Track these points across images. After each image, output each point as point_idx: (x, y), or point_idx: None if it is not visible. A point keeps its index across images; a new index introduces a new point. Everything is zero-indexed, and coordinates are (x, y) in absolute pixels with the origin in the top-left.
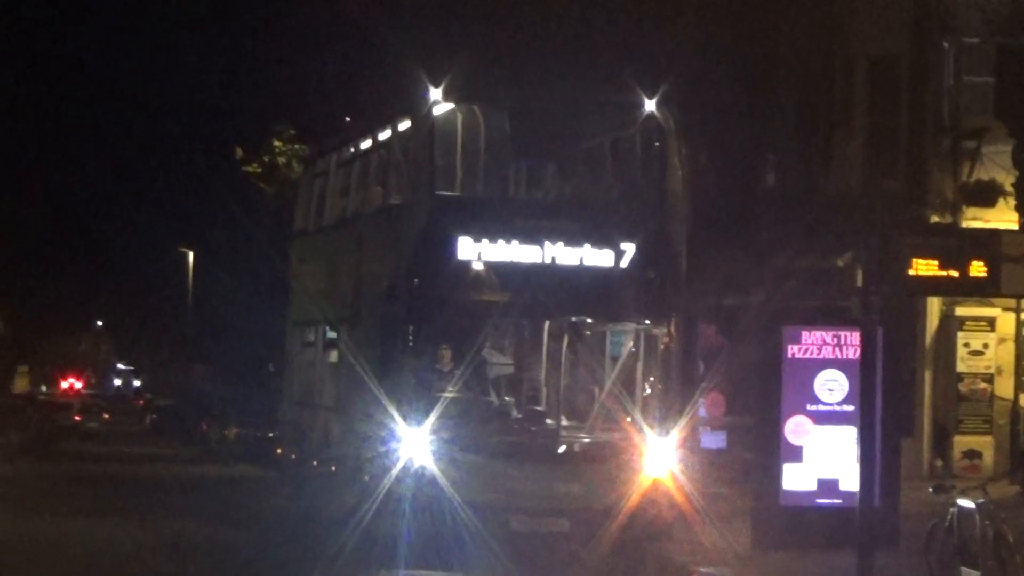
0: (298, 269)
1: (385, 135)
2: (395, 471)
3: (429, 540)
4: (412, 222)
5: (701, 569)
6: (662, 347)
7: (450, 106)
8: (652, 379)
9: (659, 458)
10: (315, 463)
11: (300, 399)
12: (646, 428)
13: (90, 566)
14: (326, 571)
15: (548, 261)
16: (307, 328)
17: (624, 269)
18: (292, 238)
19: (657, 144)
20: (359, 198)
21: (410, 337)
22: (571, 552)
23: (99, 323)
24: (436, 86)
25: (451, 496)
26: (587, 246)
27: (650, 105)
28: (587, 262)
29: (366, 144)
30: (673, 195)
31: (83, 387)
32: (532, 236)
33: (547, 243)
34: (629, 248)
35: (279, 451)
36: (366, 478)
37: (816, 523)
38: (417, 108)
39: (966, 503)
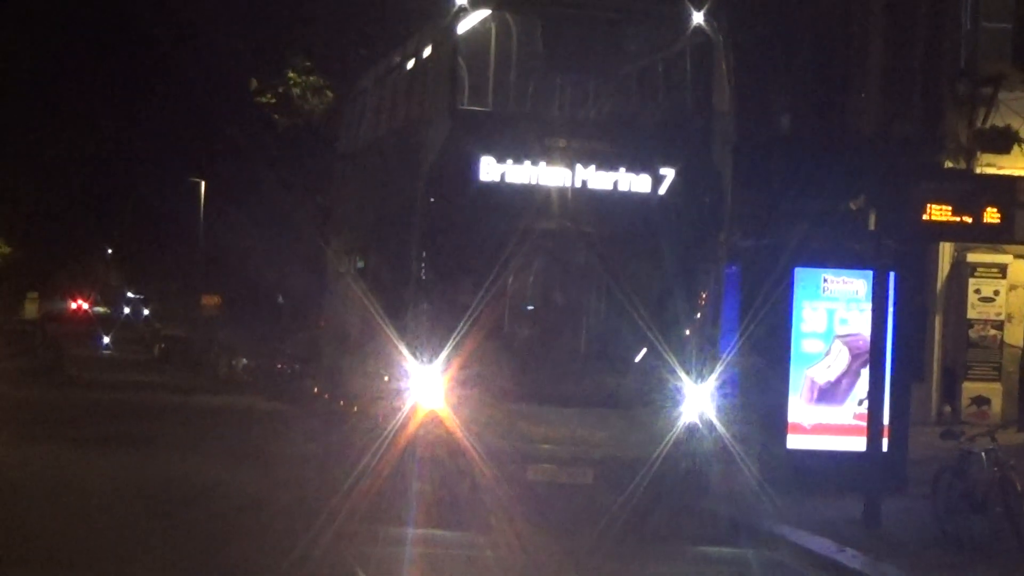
0: (337, 194)
1: (414, 47)
2: (403, 412)
3: (439, 492)
4: (431, 139)
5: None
6: (701, 286)
7: (477, 14)
8: (692, 320)
9: (696, 404)
10: (326, 396)
11: (331, 331)
12: (681, 372)
13: (83, 502)
14: (326, 526)
15: (579, 185)
16: (342, 257)
17: (663, 196)
18: (335, 161)
19: (704, 60)
20: (388, 116)
21: (423, 265)
22: (594, 508)
23: (109, 251)
24: None
25: (463, 442)
26: (622, 170)
27: (697, 17)
28: (622, 187)
29: (397, 58)
30: (720, 116)
31: (91, 308)
32: (562, 158)
33: (578, 166)
34: (669, 173)
35: (315, 388)
36: (377, 418)
37: (824, 467)
38: (441, 16)
39: (974, 449)
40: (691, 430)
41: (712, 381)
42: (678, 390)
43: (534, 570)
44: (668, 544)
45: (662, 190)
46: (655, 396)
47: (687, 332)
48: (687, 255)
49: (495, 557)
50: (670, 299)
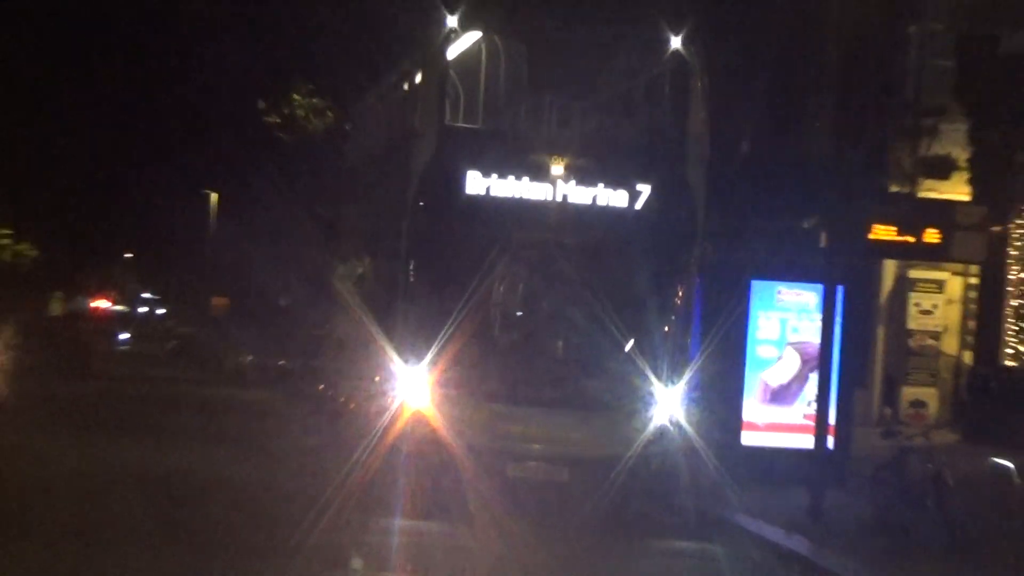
0: (341, 205)
1: (409, 68)
2: (391, 411)
3: (424, 486)
4: (421, 153)
5: None
6: (674, 296)
7: (468, 36)
8: (664, 328)
9: (666, 407)
10: (328, 393)
11: (332, 332)
12: (653, 376)
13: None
14: (320, 516)
15: (560, 199)
16: (343, 263)
17: (639, 211)
18: (340, 175)
19: (680, 83)
20: (385, 132)
21: (411, 272)
22: (570, 503)
23: (127, 256)
24: (452, 14)
25: (447, 440)
26: (601, 186)
27: (675, 43)
28: (600, 202)
29: (394, 78)
30: (695, 137)
31: (111, 307)
32: (544, 173)
33: (560, 181)
34: (645, 189)
35: (321, 386)
36: (369, 416)
37: (775, 462)
38: (432, 39)
39: (911, 448)
40: (662, 431)
41: (682, 385)
42: (650, 393)
43: (512, 559)
44: (638, 537)
45: (638, 205)
46: (628, 399)
47: (659, 339)
48: (661, 267)
49: (476, 547)
50: (644, 308)
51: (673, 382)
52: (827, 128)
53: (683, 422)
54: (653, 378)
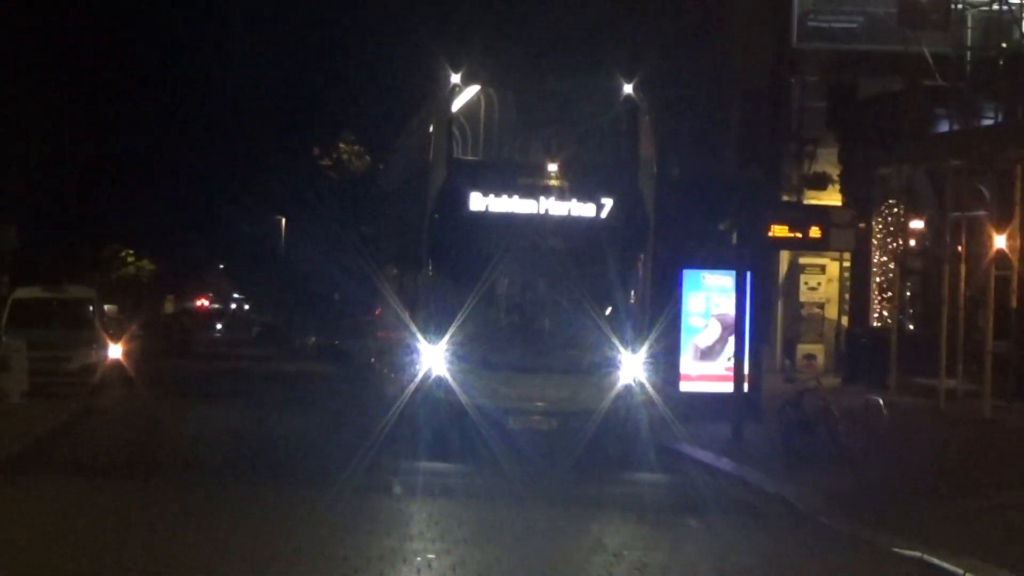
0: (380, 220)
1: (424, 115)
2: (418, 378)
3: (442, 436)
4: (435, 180)
5: None
6: (633, 283)
7: (469, 89)
8: (627, 307)
9: (630, 369)
10: (372, 360)
11: (378, 319)
12: (620, 345)
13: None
14: (362, 459)
15: (544, 212)
16: (383, 267)
17: (604, 219)
18: (379, 197)
19: (632, 119)
20: (410, 164)
21: (430, 272)
22: (559, 447)
23: (221, 266)
24: (456, 72)
25: (461, 400)
26: (575, 201)
27: (627, 89)
28: (575, 213)
29: (415, 123)
30: (645, 161)
31: (209, 305)
32: (531, 192)
33: (543, 198)
34: (608, 202)
35: (372, 359)
36: (402, 381)
37: (706, 403)
38: (441, 92)
39: (806, 389)
40: (628, 388)
41: (642, 352)
42: (618, 359)
43: (511, 491)
44: (608, 471)
45: (604, 215)
46: (602, 364)
47: (624, 317)
48: (623, 261)
49: (483, 483)
50: (611, 293)
51: (635, 350)
52: (735, 154)
53: (643, 380)
54: (620, 347)
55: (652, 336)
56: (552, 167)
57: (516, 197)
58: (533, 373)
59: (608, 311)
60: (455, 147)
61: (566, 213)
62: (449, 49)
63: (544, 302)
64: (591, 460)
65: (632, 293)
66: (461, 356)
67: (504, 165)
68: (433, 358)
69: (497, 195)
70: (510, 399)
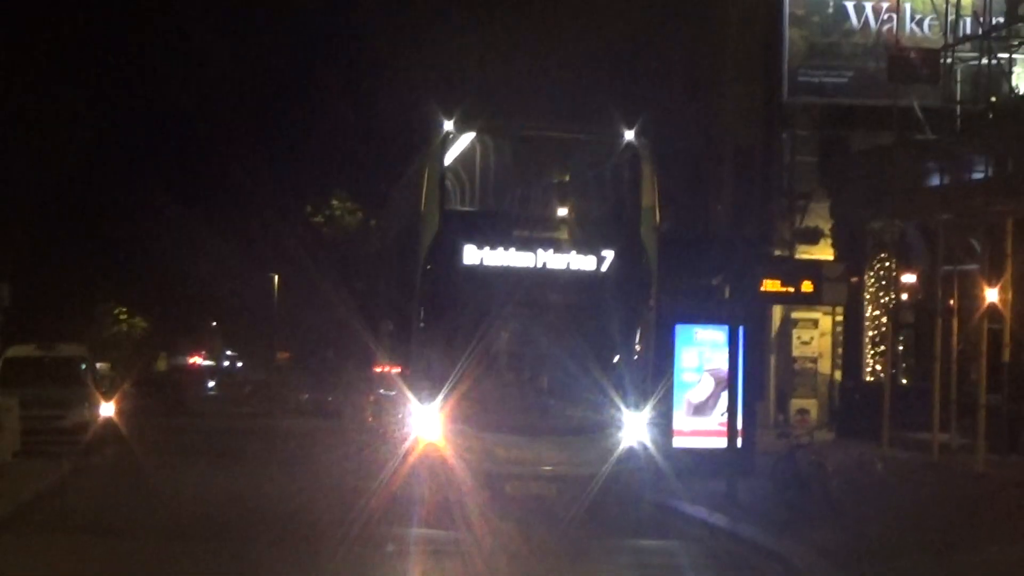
0: (374, 277)
1: (417, 165)
2: (409, 442)
3: (437, 502)
4: (427, 232)
5: None
6: (635, 340)
7: (464, 136)
8: (629, 366)
9: (633, 430)
10: (369, 418)
11: (375, 376)
12: (621, 405)
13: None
14: (352, 526)
15: (540, 265)
16: (378, 322)
17: (605, 272)
18: (372, 256)
19: (634, 168)
20: (402, 216)
21: (422, 328)
22: (556, 514)
23: (214, 323)
24: (449, 119)
25: (455, 465)
26: (573, 253)
27: (629, 135)
28: (573, 267)
29: (408, 172)
30: (647, 211)
31: (202, 362)
32: (527, 245)
33: (539, 250)
34: (609, 255)
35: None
36: (394, 444)
37: (699, 459)
38: (433, 139)
39: (799, 444)
40: (631, 450)
41: (646, 412)
42: (620, 419)
43: (509, 560)
44: (608, 536)
45: (604, 267)
46: (603, 425)
47: (626, 375)
48: (624, 316)
49: (479, 551)
50: (612, 350)
51: (637, 409)
52: (728, 211)
53: (646, 441)
54: (622, 406)
55: (655, 395)
56: (550, 218)
57: (512, 249)
58: (531, 435)
59: (610, 369)
60: (449, 197)
61: (565, 266)
62: (442, 96)
63: (542, 360)
64: (591, 526)
65: (635, 349)
66: (455, 417)
67: (500, 216)
68: (426, 419)
69: (492, 247)
70: (507, 463)
